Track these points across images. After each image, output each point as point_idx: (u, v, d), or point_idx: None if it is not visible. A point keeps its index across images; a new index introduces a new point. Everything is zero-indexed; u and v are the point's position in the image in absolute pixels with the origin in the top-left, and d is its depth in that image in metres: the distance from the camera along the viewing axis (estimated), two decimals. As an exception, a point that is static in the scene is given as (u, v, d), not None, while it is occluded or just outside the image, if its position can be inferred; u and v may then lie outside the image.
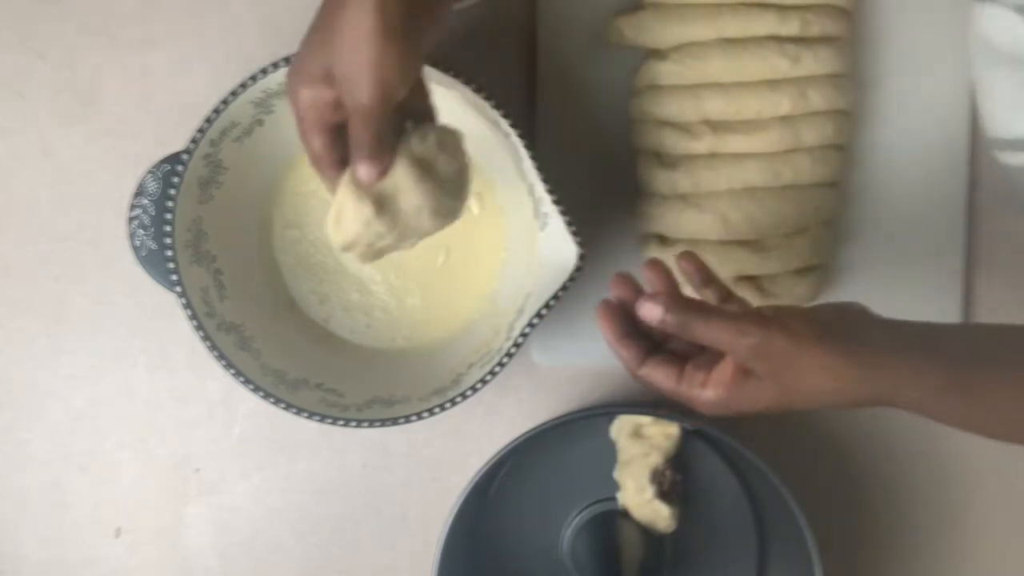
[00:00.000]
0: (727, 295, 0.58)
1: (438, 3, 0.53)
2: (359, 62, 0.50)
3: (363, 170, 0.54)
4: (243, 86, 0.64)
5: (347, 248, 0.57)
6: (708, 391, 0.54)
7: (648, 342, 0.56)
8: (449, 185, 0.57)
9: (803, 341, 0.52)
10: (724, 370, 0.54)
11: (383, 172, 0.54)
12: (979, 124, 0.74)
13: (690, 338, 0.53)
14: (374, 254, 0.57)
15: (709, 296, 0.58)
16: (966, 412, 0.55)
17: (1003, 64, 0.59)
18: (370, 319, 0.73)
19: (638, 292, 0.56)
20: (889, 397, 0.53)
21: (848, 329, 0.53)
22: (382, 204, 0.55)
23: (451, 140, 0.57)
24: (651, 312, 0.53)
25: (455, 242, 0.72)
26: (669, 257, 0.69)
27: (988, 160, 0.75)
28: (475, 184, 0.71)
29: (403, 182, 0.55)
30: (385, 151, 0.54)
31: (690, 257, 0.59)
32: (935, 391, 0.53)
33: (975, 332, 0.58)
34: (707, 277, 0.59)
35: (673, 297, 0.53)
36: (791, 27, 0.69)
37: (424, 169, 0.55)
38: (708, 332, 0.52)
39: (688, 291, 0.57)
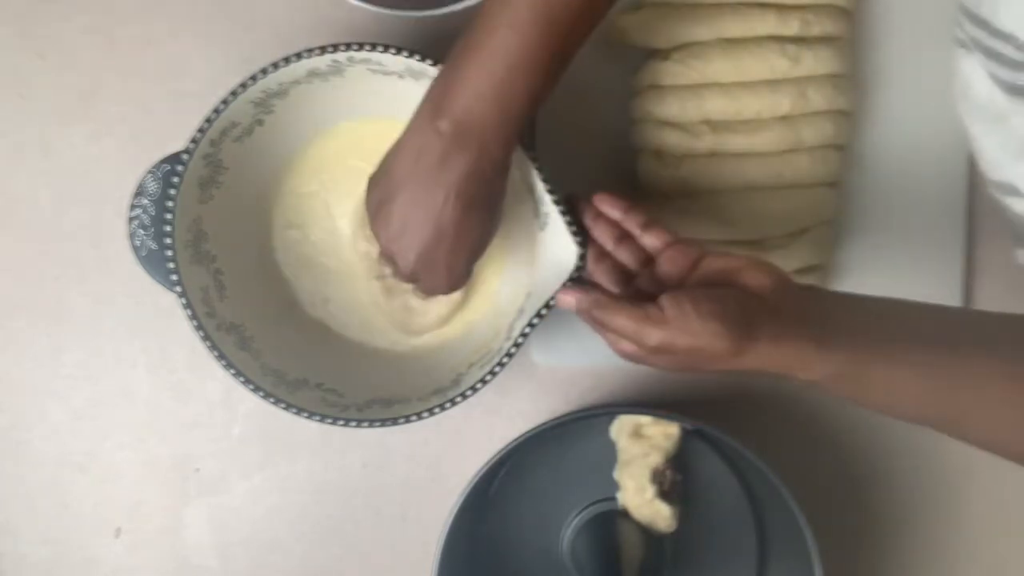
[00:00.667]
0: (646, 222, 0.62)
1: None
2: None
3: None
4: (243, 86, 0.64)
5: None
6: (624, 344, 0.57)
7: (600, 248, 0.64)
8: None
9: (698, 338, 0.54)
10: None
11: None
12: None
13: (601, 327, 0.58)
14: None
15: (598, 232, 0.63)
16: (856, 396, 0.57)
17: (984, 118, 0.60)
18: (374, 318, 0.73)
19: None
20: (782, 375, 0.56)
21: (743, 319, 0.54)
22: None
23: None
24: (565, 302, 0.61)
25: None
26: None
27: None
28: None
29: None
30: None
31: (605, 201, 0.63)
32: (829, 379, 0.55)
33: (879, 308, 0.59)
34: (594, 215, 0.64)
35: (583, 291, 0.59)
36: (791, 27, 0.69)
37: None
38: (613, 327, 0.57)
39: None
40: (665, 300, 0.55)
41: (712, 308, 0.54)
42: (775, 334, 0.54)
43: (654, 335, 0.55)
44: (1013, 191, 0.60)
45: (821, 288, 0.58)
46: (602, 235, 0.63)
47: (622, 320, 0.56)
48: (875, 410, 0.58)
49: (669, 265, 0.60)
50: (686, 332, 0.54)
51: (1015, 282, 0.75)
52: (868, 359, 0.55)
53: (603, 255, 0.63)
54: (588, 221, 0.64)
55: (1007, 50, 0.55)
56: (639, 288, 0.61)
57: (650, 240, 0.62)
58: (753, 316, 0.54)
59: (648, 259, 0.62)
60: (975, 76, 0.60)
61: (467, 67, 0.56)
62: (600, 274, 0.63)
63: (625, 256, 0.63)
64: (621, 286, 0.62)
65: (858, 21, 0.73)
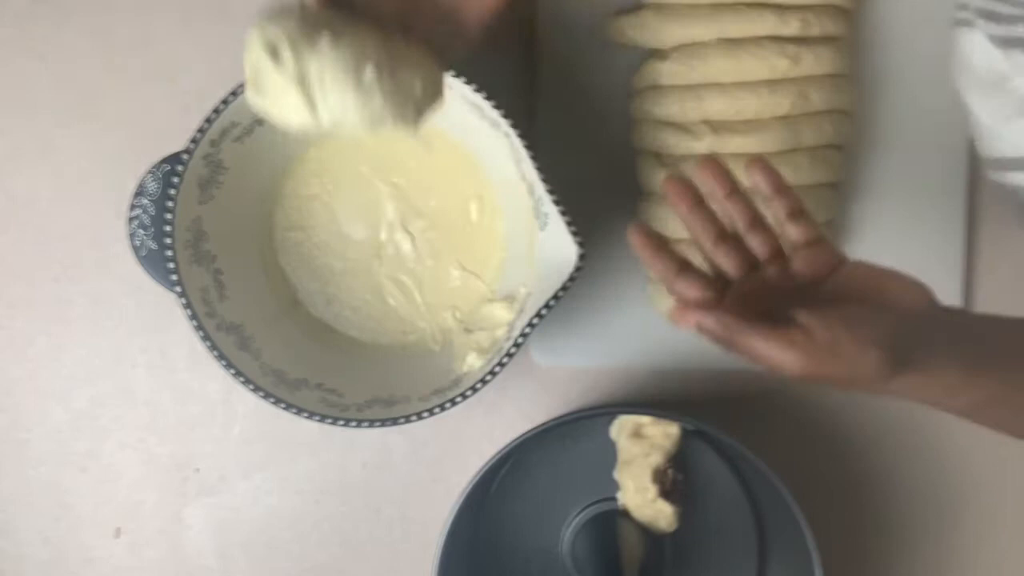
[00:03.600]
0: (796, 209, 0.54)
1: None
2: None
3: None
4: (243, 86, 0.64)
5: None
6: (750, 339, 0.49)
7: (680, 258, 0.53)
8: (384, 94, 0.52)
9: (853, 367, 0.48)
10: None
11: None
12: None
13: (728, 347, 0.50)
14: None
15: (734, 207, 0.55)
16: (1005, 422, 0.53)
17: (983, 88, 0.60)
18: (380, 316, 0.73)
19: (695, 196, 0.55)
20: (924, 402, 0.51)
21: (902, 345, 0.49)
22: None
23: (420, 60, 0.53)
24: (686, 324, 0.50)
25: (456, 241, 0.73)
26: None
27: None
28: (475, 184, 0.72)
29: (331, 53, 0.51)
30: None
31: (712, 164, 0.55)
32: (976, 405, 0.51)
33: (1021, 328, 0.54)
34: (731, 188, 0.55)
35: (708, 312, 0.49)
36: (791, 27, 0.69)
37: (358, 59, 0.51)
38: (748, 352, 0.49)
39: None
40: (811, 321, 0.48)
41: (867, 333, 0.48)
42: (926, 361, 0.49)
43: (798, 364, 0.48)
44: (1012, 164, 0.60)
45: (964, 310, 0.53)
46: (735, 213, 0.55)
47: (760, 345, 0.48)
48: (1018, 437, 0.54)
49: (806, 265, 0.53)
50: (837, 359, 0.48)
51: (1015, 282, 0.75)
52: (1018, 383, 0.51)
53: (727, 236, 0.55)
54: (721, 194, 0.55)
55: (1003, 8, 0.55)
56: (765, 280, 0.54)
57: (793, 231, 0.54)
58: (907, 342, 0.49)
59: (777, 249, 0.55)
60: (974, 49, 0.60)
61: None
62: (721, 257, 0.54)
63: (756, 243, 0.55)
64: (743, 273, 0.54)
65: (858, 21, 0.73)
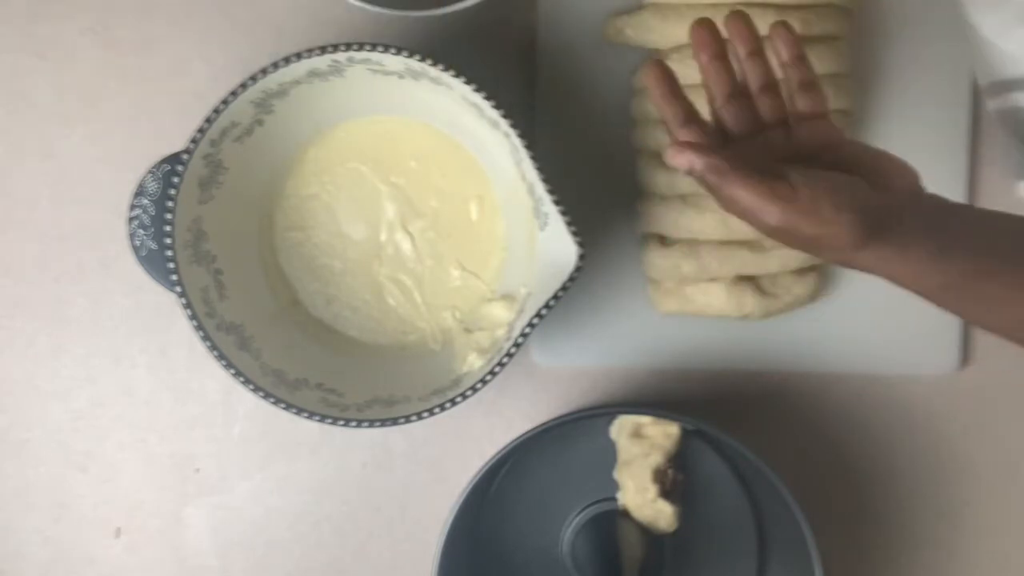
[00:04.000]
0: (810, 80, 0.56)
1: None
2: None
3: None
4: (243, 86, 0.64)
5: None
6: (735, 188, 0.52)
7: (691, 106, 0.56)
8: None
9: (827, 228, 0.51)
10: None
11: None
12: (980, 125, 0.74)
13: (715, 193, 0.53)
14: None
15: (752, 67, 0.57)
16: (969, 309, 0.55)
17: (986, 1, 0.60)
18: (380, 316, 0.73)
19: (718, 48, 0.57)
20: (891, 278, 0.54)
21: (878, 217, 0.51)
22: None
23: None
24: (678, 161, 0.52)
25: (456, 241, 0.73)
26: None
27: (988, 160, 0.75)
28: (475, 184, 0.72)
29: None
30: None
31: (740, 19, 0.57)
32: (944, 288, 0.53)
33: (1000, 223, 0.56)
34: (754, 48, 0.57)
35: (699, 151, 0.52)
36: (766, 28, 0.69)
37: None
38: (730, 196, 0.52)
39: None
40: (798, 177, 0.51)
41: (848, 197, 0.51)
42: (899, 237, 0.52)
43: (777, 214, 0.51)
44: (1013, 85, 0.60)
45: (943, 198, 0.55)
46: (752, 73, 0.57)
47: (743, 192, 0.51)
48: (978, 325, 0.57)
49: (809, 135, 0.55)
50: (815, 217, 0.51)
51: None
52: (983, 273, 0.53)
53: (738, 95, 0.56)
54: (743, 53, 0.57)
55: None
56: (767, 143, 0.56)
57: (803, 102, 0.56)
58: (885, 214, 0.52)
59: (784, 116, 0.56)
60: None
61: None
62: (728, 113, 0.56)
63: (766, 106, 0.57)
64: (746, 133, 0.56)
65: (858, 21, 0.73)
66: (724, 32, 0.58)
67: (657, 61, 0.57)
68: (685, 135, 0.55)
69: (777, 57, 0.57)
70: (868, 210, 0.51)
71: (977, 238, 0.54)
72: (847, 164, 0.54)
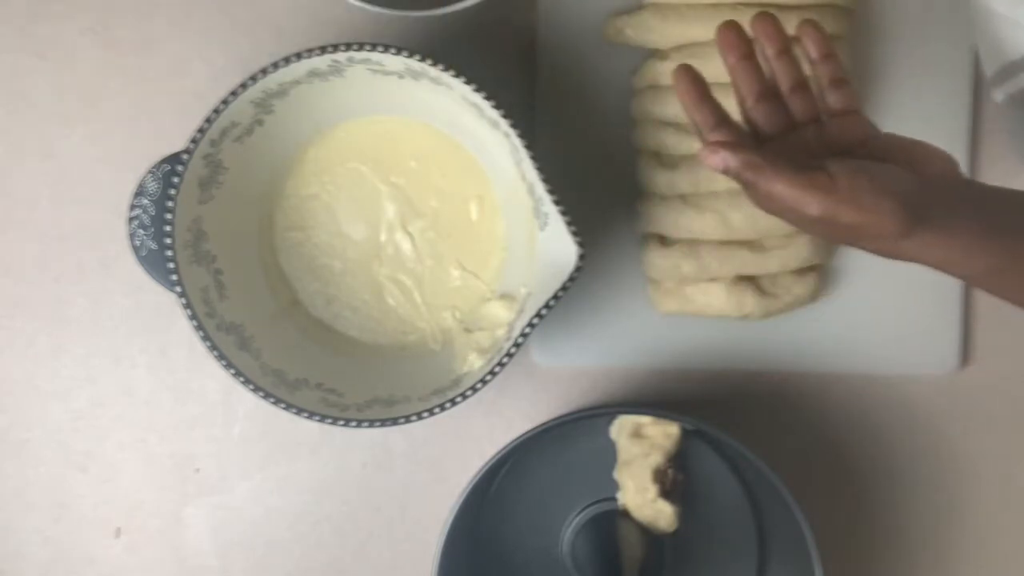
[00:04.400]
0: (840, 77, 0.55)
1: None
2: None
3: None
4: (243, 86, 0.64)
5: None
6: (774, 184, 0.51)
7: (721, 110, 0.55)
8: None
9: (869, 215, 0.50)
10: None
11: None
12: (980, 124, 0.74)
13: (752, 189, 0.52)
14: None
15: (782, 67, 0.56)
16: (1013, 291, 0.54)
17: None
18: (379, 316, 0.73)
19: (745, 49, 0.56)
20: (938, 266, 0.53)
21: (920, 203, 0.51)
22: None
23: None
24: (712, 161, 0.51)
25: (456, 241, 0.73)
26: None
27: (989, 159, 0.75)
28: (475, 184, 0.72)
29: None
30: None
31: (767, 19, 0.56)
32: (991, 271, 0.53)
33: None
34: (783, 47, 0.56)
35: (733, 149, 0.51)
36: (791, 27, 0.69)
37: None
38: (769, 191, 0.51)
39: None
40: (836, 167, 0.51)
41: (888, 184, 0.50)
42: (943, 223, 0.51)
43: (817, 205, 0.50)
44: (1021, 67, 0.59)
45: (986, 184, 0.54)
46: (781, 72, 0.56)
47: (780, 186, 0.50)
48: None
49: (842, 131, 0.55)
50: (856, 206, 0.50)
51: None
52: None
53: (769, 95, 0.56)
54: (771, 53, 0.57)
55: None
56: (800, 141, 0.55)
57: (834, 99, 0.55)
58: (927, 200, 0.51)
59: (816, 115, 0.56)
60: None
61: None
62: (760, 114, 0.56)
63: (797, 105, 0.56)
64: (778, 133, 0.56)
65: (858, 21, 0.73)
66: (750, 32, 0.58)
67: (686, 66, 0.56)
68: (717, 136, 0.54)
69: (806, 55, 0.57)
70: (909, 196, 0.51)
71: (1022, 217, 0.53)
72: (882, 157, 0.54)
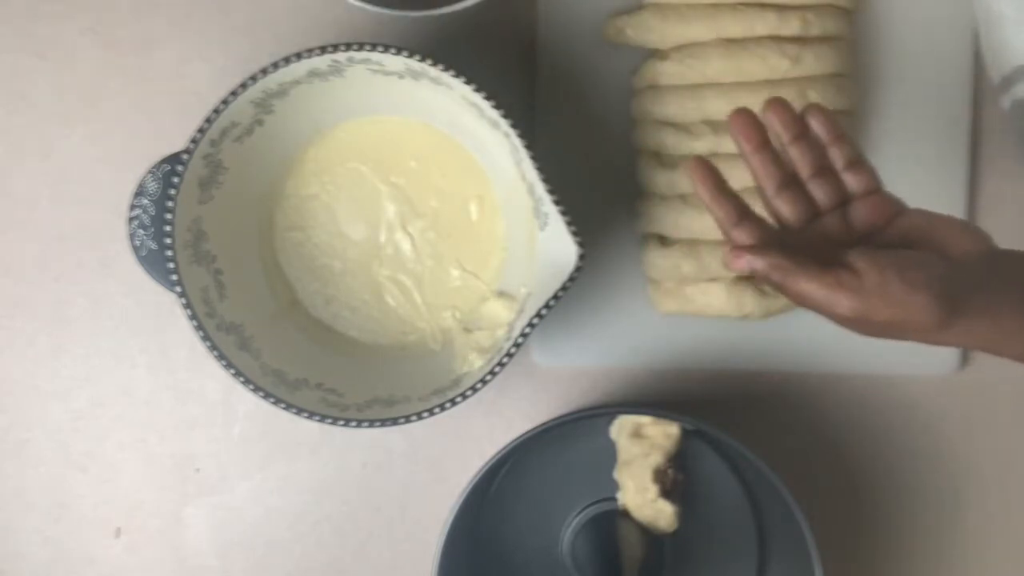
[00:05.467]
0: (854, 159, 0.54)
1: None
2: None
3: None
4: (243, 86, 0.64)
5: None
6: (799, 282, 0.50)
7: (741, 203, 0.54)
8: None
9: (901, 310, 0.49)
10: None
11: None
12: (980, 122, 0.74)
13: (781, 290, 0.51)
14: None
15: (799, 153, 0.54)
16: None
17: None
18: (379, 316, 0.73)
19: (761, 138, 0.54)
20: (987, 349, 0.52)
21: (955, 290, 0.49)
22: None
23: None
24: (737, 265, 0.51)
25: (456, 241, 0.73)
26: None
27: (989, 160, 0.75)
28: (475, 184, 0.72)
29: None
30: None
31: (779, 106, 0.54)
32: None
33: None
34: (797, 132, 0.54)
35: (759, 252, 0.51)
36: (791, 27, 0.69)
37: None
38: (798, 292, 0.50)
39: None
40: (861, 262, 0.49)
41: (918, 276, 0.49)
42: (984, 305, 0.49)
43: (847, 304, 0.49)
44: None
45: (1018, 251, 0.52)
46: (800, 160, 0.55)
47: (810, 286, 0.50)
48: None
49: (866, 213, 0.53)
50: (887, 302, 0.49)
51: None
52: None
53: (790, 183, 0.54)
54: (786, 139, 0.55)
55: None
56: (823, 230, 0.54)
57: (853, 181, 0.54)
58: (961, 286, 0.49)
59: (840, 199, 0.54)
60: None
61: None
62: (783, 204, 0.54)
63: (818, 191, 0.54)
64: (804, 223, 0.54)
65: (858, 21, 0.73)
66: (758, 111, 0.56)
67: (699, 159, 0.55)
68: (741, 236, 0.53)
69: (816, 139, 0.55)
70: (944, 284, 0.49)
71: None
72: (911, 236, 0.52)
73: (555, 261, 0.64)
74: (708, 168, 0.55)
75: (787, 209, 0.54)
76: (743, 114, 0.55)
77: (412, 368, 0.72)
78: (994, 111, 0.74)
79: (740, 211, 0.54)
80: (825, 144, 0.55)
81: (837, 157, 0.55)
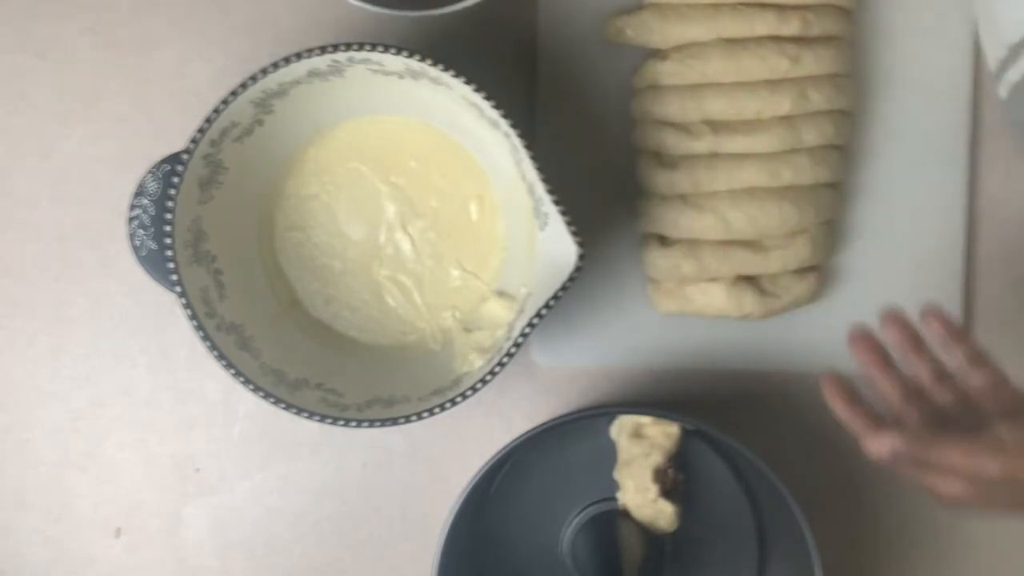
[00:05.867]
0: (976, 356, 0.55)
1: None
2: None
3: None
4: (243, 86, 0.64)
5: None
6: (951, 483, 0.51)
7: (874, 412, 0.55)
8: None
9: None
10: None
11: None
12: (980, 122, 0.74)
13: (925, 471, 0.52)
14: None
15: (919, 363, 0.56)
16: None
17: None
18: (379, 316, 0.73)
19: (883, 358, 0.56)
20: None
21: None
22: None
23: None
24: (878, 452, 0.52)
25: (456, 241, 0.73)
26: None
27: (989, 160, 0.75)
28: (475, 184, 0.72)
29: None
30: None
31: (895, 321, 0.56)
32: None
33: None
34: (915, 345, 0.56)
35: (893, 432, 0.51)
36: (791, 27, 0.69)
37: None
38: (943, 463, 0.50)
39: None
40: (1001, 428, 0.50)
41: None
42: None
43: (995, 464, 0.49)
44: None
45: None
46: (920, 369, 0.56)
47: (954, 454, 0.50)
48: None
49: (996, 405, 0.54)
50: None
51: (1015, 283, 0.75)
52: None
53: (913, 392, 0.55)
54: (909, 351, 0.56)
55: None
56: (949, 418, 0.54)
57: (978, 378, 0.55)
58: None
59: (962, 398, 0.55)
60: None
61: None
62: (910, 412, 0.55)
63: (943, 395, 0.55)
64: (933, 427, 0.54)
65: (858, 21, 0.73)
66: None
67: (831, 377, 0.56)
68: (876, 445, 0.53)
69: (941, 343, 0.56)
70: None
71: None
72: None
73: (555, 261, 0.64)
74: (839, 385, 0.56)
75: (914, 415, 0.55)
76: (863, 336, 0.57)
77: (412, 368, 0.72)
78: (994, 111, 0.74)
79: (873, 421, 0.54)
80: (947, 346, 0.56)
81: (960, 354, 0.55)
